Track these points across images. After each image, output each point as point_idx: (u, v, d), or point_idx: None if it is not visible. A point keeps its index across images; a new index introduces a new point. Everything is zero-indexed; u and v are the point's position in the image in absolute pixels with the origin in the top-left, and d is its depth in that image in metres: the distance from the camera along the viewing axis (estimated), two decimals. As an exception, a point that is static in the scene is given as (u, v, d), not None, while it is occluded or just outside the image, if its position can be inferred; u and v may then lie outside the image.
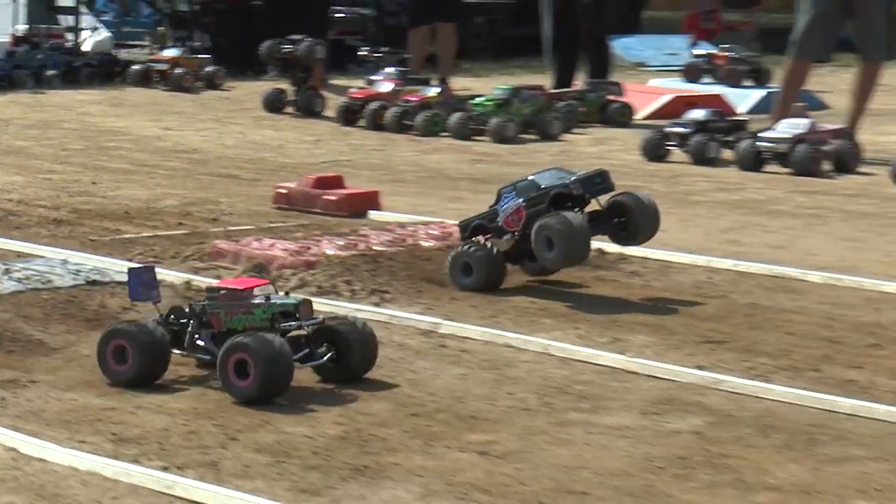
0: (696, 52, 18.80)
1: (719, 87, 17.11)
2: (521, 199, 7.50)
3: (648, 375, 6.66)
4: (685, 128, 13.08)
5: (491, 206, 7.74)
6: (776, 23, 15.78)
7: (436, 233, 9.18)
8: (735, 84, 17.35)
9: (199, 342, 5.99)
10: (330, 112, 16.01)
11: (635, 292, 8.22)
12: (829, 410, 6.22)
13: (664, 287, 8.38)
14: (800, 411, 6.24)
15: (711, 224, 10.25)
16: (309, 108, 16.12)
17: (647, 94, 17.00)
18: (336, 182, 10.48)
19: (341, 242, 8.79)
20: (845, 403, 6.25)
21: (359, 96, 15.48)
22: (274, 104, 16.38)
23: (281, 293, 5.99)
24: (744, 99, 16.44)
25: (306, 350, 5.83)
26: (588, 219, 7.42)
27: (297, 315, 5.81)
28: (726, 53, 18.14)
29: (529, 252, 7.56)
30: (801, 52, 13.39)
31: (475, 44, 22.42)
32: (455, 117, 14.37)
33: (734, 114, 14.61)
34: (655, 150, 13.09)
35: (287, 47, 16.38)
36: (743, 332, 7.43)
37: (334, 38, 21.04)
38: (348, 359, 5.89)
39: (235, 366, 5.68)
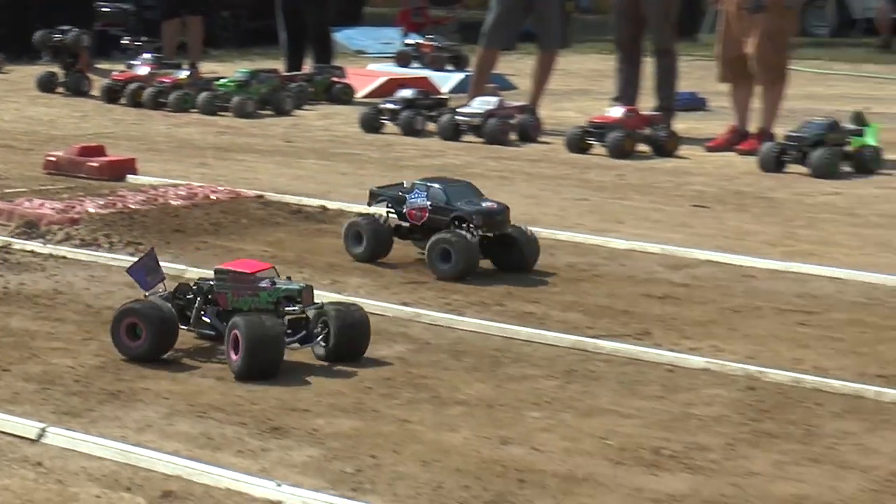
0: (407, 41, 18.97)
1: (425, 71, 17.30)
2: (429, 203, 7.32)
3: (362, 311, 6.73)
4: (396, 105, 13.21)
5: (402, 191, 7.51)
6: (474, 18, 15.99)
7: (183, 193, 9.22)
8: (438, 68, 17.56)
9: (205, 318, 5.73)
10: (95, 92, 15.87)
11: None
12: (510, 337, 6.36)
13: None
14: (486, 339, 6.37)
15: (416, 185, 10.32)
16: (77, 89, 16.02)
17: (366, 76, 17.12)
18: (98, 151, 10.43)
19: (102, 202, 8.76)
20: (523, 331, 6.40)
21: (120, 78, 15.42)
22: (46, 85, 16.23)
23: (284, 278, 5.74)
24: (445, 81, 16.63)
25: (304, 332, 5.62)
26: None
27: (300, 300, 5.59)
28: (431, 43, 18.35)
29: (416, 238, 7.47)
30: (489, 42, 13.60)
31: (220, 34, 22.43)
32: (202, 96, 14.39)
33: (438, 93, 14.78)
34: (371, 124, 13.19)
35: (57, 36, 16.28)
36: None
37: (100, 28, 20.97)
38: (345, 341, 5.66)
39: (233, 342, 5.46)
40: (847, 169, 11.18)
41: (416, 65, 18.01)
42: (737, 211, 9.61)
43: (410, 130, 12.92)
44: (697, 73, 16.03)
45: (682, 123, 13.08)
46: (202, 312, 5.69)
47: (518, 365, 6.00)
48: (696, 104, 15.29)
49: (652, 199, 10.01)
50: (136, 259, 6.12)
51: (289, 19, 16.70)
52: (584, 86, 16.99)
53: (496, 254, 7.38)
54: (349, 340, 5.67)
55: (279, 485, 4.50)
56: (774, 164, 11.16)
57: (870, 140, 11.44)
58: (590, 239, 8.46)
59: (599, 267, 7.79)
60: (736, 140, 12.25)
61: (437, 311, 6.73)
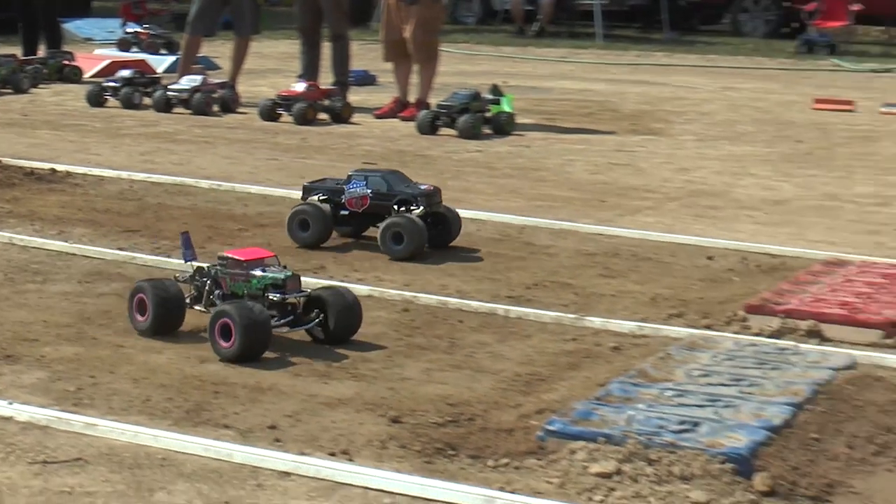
0: (128, 30, 18.61)
1: (143, 55, 17.00)
2: (368, 190, 6.91)
3: (84, 256, 6.64)
4: (117, 83, 12.99)
5: (338, 182, 7.08)
6: (184, 10, 15.77)
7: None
8: (154, 52, 17.28)
9: (214, 300, 5.28)
10: None
11: (78, 198, 8.19)
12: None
13: (98, 194, 8.35)
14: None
15: (134, 149, 10.20)
16: None
17: (92, 59, 16.75)
18: None
19: None
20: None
21: None
22: None
23: (278, 267, 5.24)
24: (160, 63, 16.38)
25: (291, 317, 5.14)
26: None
27: (284, 288, 5.12)
28: (148, 31, 18.06)
29: (354, 224, 7.08)
30: (193, 30, 13.46)
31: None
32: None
33: (153, 73, 14.54)
34: (96, 99, 12.94)
35: None
36: (152, 223, 7.47)
37: None
38: (335, 323, 5.17)
39: (220, 329, 4.96)
40: (487, 131, 11.37)
41: (135, 49, 17.66)
42: (398, 167, 9.59)
43: (129, 104, 12.73)
44: (369, 54, 16.08)
45: (356, 96, 13.13)
46: (211, 295, 5.28)
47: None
48: (367, 80, 15.34)
49: (329, 158, 10.04)
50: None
51: (23, 10, 16.23)
52: (275, 66, 16.90)
53: (429, 231, 6.88)
54: (345, 324, 5.22)
55: (10, 403, 4.42)
56: (429, 128, 11.32)
57: (506, 108, 11.69)
58: (277, 192, 8.44)
59: (284, 214, 7.72)
60: (399, 109, 12.38)
61: (147, 255, 6.69)
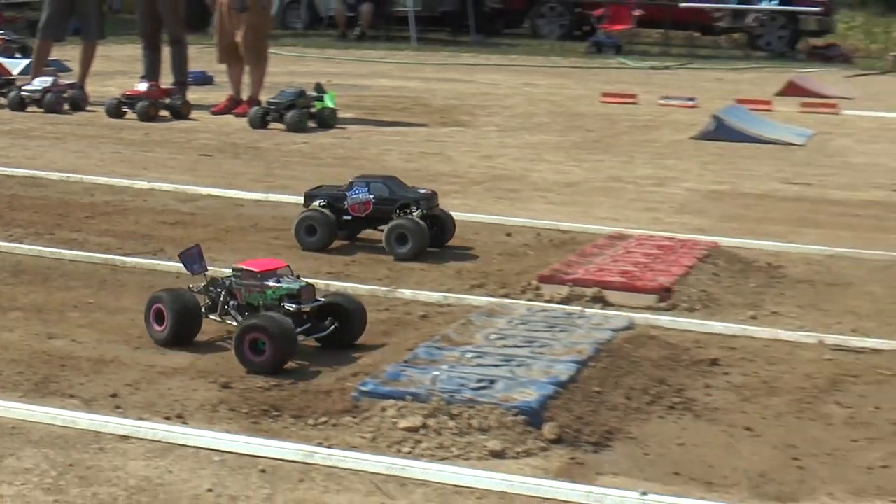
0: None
1: (1, 59, 16.56)
2: (371, 196, 6.58)
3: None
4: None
5: (339, 189, 6.72)
6: (37, 17, 15.33)
7: None
8: (9, 56, 16.82)
9: (229, 311, 4.86)
10: None
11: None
12: (59, 258, 6.19)
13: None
14: (40, 260, 6.18)
15: (-10, 146, 9.95)
16: None
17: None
18: None
19: None
20: (68, 253, 6.25)
21: None
22: None
23: (292, 277, 4.87)
24: (15, 66, 15.91)
25: (308, 325, 4.75)
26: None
27: (300, 298, 4.76)
28: (3, 37, 17.62)
29: (355, 230, 6.74)
30: (44, 35, 13.16)
31: None
32: None
33: (9, 74, 14.11)
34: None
35: None
36: (6, 213, 7.27)
37: None
38: (347, 329, 4.82)
39: (250, 344, 4.51)
40: (313, 125, 11.30)
41: (-8, 55, 17.25)
42: (232, 158, 9.60)
43: (-13, 103, 12.36)
44: (207, 56, 15.77)
45: (195, 94, 12.94)
46: (226, 305, 4.88)
47: (64, 279, 5.85)
48: (205, 80, 15.13)
49: (170, 151, 9.89)
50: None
51: None
52: (121, 68, 16.57)
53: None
54: (357, 329, 4.87)
55: None
56: (260, 123, 11.23)
57: (329, 103, 11.64)
58: (121, 182, 8.29)
59: (128, 202, 7.66)
60: (233, 106, 12.25)
61: (3, 242, 6.49)
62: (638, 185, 8.81)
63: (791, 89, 15.79)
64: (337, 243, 6.60)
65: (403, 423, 3.91)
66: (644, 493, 3.45)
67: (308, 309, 4.76)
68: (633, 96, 14.52)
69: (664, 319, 5.21)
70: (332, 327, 4.77)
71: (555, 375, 4.22)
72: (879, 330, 5.25)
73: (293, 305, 4.71)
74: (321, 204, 6.61)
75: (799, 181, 9.14)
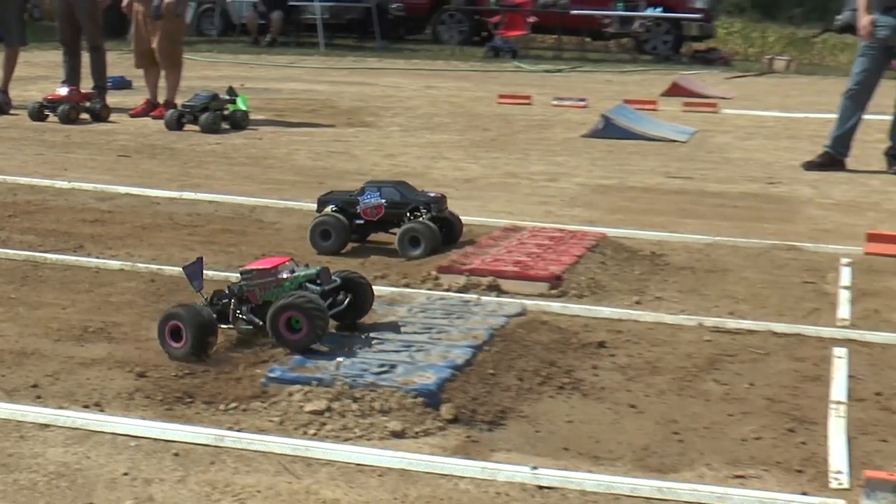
0: None
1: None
2: (383, 200, 6.39)
3: None
4: None
5: (351, 194, 6.52)
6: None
7: None
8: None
9: (242, 316, 4.62)
10: None
11: None
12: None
13: None
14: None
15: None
16: None
17: None
18: None
19: None
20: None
21: None
22: None
23: (302, 265, 4.77)
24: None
25: (330, 300, 4.57)
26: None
27: (319, 281, 4.60)
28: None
29: (367, 234, 6.55)
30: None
31: None
32: None
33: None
34: None
35: None
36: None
37: None
38: (360, 302, 4.70)
39: (286, 323, 4.37)
40: (226, 126, 11.21)
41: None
42: (149, 158, 9.50)
43: None
44: (125, 62, 15.64)
45: (113, 98, 12.76)
46: (238, 312, 4.64)
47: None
48: (124, 84, 14.95)
49: (90, 152, 9.76)
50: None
51: None
52: (43, 73, 16.30)
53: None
54: (367, 302, 4.78)
55: None
56: (176, 125, 11.13)
57: (241, 106, 11.57)
58: (43, 182, 8.17)
59: (49, 202, 7.55)
60: (150, 109, 12.14)
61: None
62: (532, 180, 8.85)
63: (675, 90, 15.97)
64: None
65: (309, 407, 3.90)
66: (534, 468, 3.48)
67: (328, 289, 4.59)
68: (528, 97, 14.58)
69: (555, 305, 5.24)
70: (346, 299, 4.65)
71: (452, 359, 4.23)
72: (754, 312, 5.33)
73: (316, 288, 4.53)
74: (334, 209, 6.43)
75: (681, 175, 9.24)
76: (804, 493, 3.43)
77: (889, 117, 9.94)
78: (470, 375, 4.17)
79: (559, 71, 20.58)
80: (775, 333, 4.99)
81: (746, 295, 5.64)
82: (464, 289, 5.49)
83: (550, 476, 3.45)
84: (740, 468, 3.59)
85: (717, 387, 4.32)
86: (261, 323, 4.50)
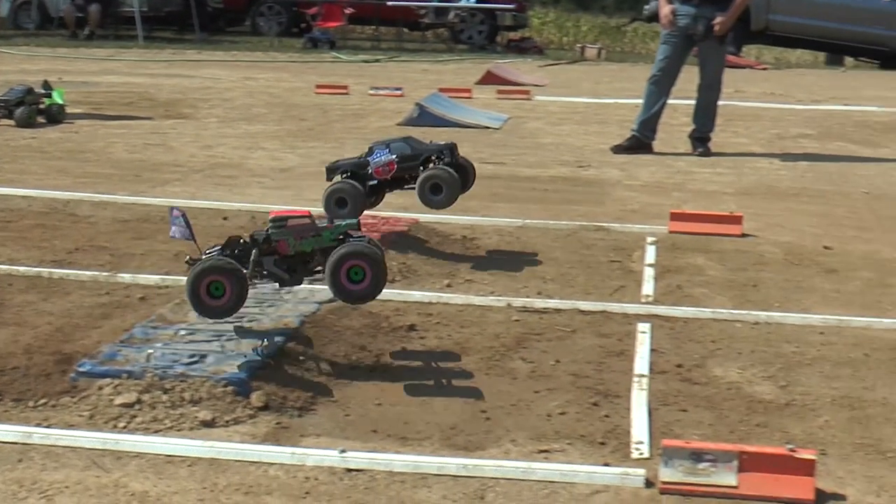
0: None
1: None
2: (394, 156, 6.03)
3: None
4: None
5: (360, 157, 6.14)
6: None
7: None
8: None
9: (269, 267, 4.18)
10: None
11: None
12: None
13: None
14: None
15: None
16: None
17: None
18: None
19: None
20: None
21: None
22: None
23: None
24: None
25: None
26: None
27: (359, 230, 4.26)
28: None
29: (381, 194, 6.21)
30: None
31: None
32: None
33: None
34: None
35: None
36: None
37: None
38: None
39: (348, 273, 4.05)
40: (42, 120, 10.89)
41: None
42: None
43: None
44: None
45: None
46: (259, 265, 4.20)
47: None
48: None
49: None
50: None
51: None
52: None
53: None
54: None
55: None
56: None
57: (57, 100, 11.24)
58: None
59: None
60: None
61: None
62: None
63: (489, 78, 16.10)
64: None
65: (119, 400, 3.81)
66: (343, 451, 3.45)
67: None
68: (345, 87, 14.53)
69: (379, 290, 5.21)
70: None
71: (262, 347, 4.17)
72: (561, 291, 5.40)
73: (361, 237, 4.20)
74: (345, 175, 6.12)
75: (494, 161, 9.31)
76: (606, 464, 3.47)
77: (693, 102, 10.19)
78: (281, 362, 4.12)
79: (376, 61, 20.57)
80: (582, 311, 5.06)
81: (555, 275, 5.71)
82: (278, 277, 5.42)
83: (358, 459, 3.43)
84: (545, 443, 3.63)
85: (524, 365, 4.36)
86: (287, 276, 4.19)
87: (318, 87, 14.61)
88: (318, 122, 11.60)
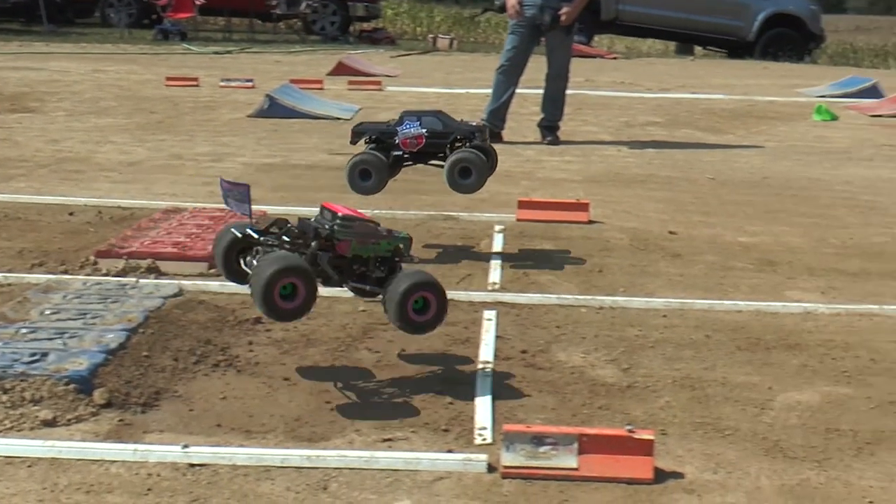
0: None
1: None
2: (423, 130, 5.77)
3: None
4: None
5: (388, 123, 5.86)
6: None
7: None
8: None
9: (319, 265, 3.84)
10: None
11: None
12: None
13: None
14: None
15: None
16: None
17: None
18: None
19: None
20: None
21: None
22: None
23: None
24: None
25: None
26: None
27: (409, 249, 4.03)
28: None
29: (399, 167, 5.95)
30: None
31: None
32: None
33: None
34: None
35: None
36: None
37: None
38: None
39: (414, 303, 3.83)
40: None
41: None
42: None
43: None
44: None
45: None
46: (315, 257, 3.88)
47: None
48: None
49: None
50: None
51: None
52: None
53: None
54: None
55: None
56: None
57: None
58: None
59: None
60: None
61: None
62: (197, 161, 8.72)
63: (341, 69, 16.08)
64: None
65: (-56, 403, 3.72)
66: (186, 446, 3.43)
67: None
68: (195, 79, 14.37)
69: (213, 284, 5.18)
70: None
71: (105, 344, 4.13)
72: (409, 281, 5.41)
73: (410, 257, 4.06)
74: (369, 141, 5.90)
75: (343, 152, 9.27)
76: (449, 451, 3.51)
77: (542, 91, 10.32)
78: (124, 359, 4.07)
79: (228, 52, 20.38)
80: (428, 300, 5.08)
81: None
82: (123, 272, 5.36)
83: (201, 453, 3.40)
84: (389, 431, 3.65)
85: (370, 355, 4.37)
86: (336, 277, 3.93)
87: (169, 79, 14.42)
88: (168, 115, 11.45)
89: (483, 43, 26.76)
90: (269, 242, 3.91)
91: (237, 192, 3.88)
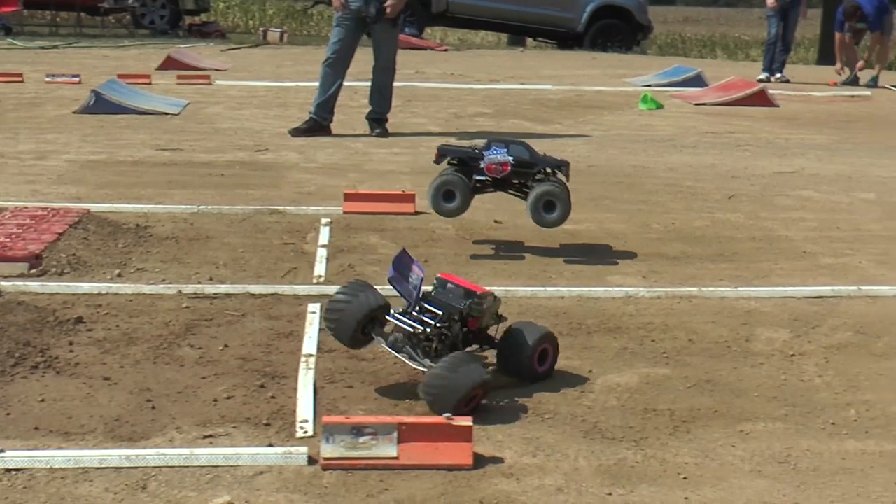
0: None
1: None
2: (510, 157, 5.65)
3: None
4: None
5: (474, 148, 5.76)
6: None
7: None
8: None
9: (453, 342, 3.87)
10: None
11: None
12: None
13: None
14: None
15: None
16: None
17: None
18: None
19: None
20: None
21: None
22: None
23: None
24: None
25: None
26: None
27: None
28: None
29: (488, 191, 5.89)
30: None
31: None
32: None
33: None
34: None
35: None
36: None
37: None
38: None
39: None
40: None
41: None
42: None
43: None
44: None
45: None
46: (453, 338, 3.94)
47: None
48: None
49: None
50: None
51: None
52: None
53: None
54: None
55: None
56: None
57: None
58: None
59: None
60: None
61: None
62: (20, 159, 8.51)
63: (169, 63, 15.86)
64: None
65: None
66: (1, 451, 3.36)
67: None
68: (19, 75, 14.00)
69: (34, 285, 5.08)
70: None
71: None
72: (234, 276, 5.40)
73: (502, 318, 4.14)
74: (454, 162, 5.88)
75: (171, 147, 9.19)
76: (270, 445, 3.51)
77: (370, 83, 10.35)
78: (-62, 364, 3.97)
79: (54, 47, 19.90)
80: (253, 295, 5.08)
81: (227, 260, 5.71)
82: (-60, 275, 5.21)
83: (17, 458, 3.34)
84: (210, 428, 3.63)
85: (192, 351, 4.35)
86: (462, 346, 3.97)
87: (-10, 75, 14.03)
88: (-17, 114, 11.16)
89: (314, 36, 26.68)
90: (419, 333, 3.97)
91: (412, 275, 3.96)
